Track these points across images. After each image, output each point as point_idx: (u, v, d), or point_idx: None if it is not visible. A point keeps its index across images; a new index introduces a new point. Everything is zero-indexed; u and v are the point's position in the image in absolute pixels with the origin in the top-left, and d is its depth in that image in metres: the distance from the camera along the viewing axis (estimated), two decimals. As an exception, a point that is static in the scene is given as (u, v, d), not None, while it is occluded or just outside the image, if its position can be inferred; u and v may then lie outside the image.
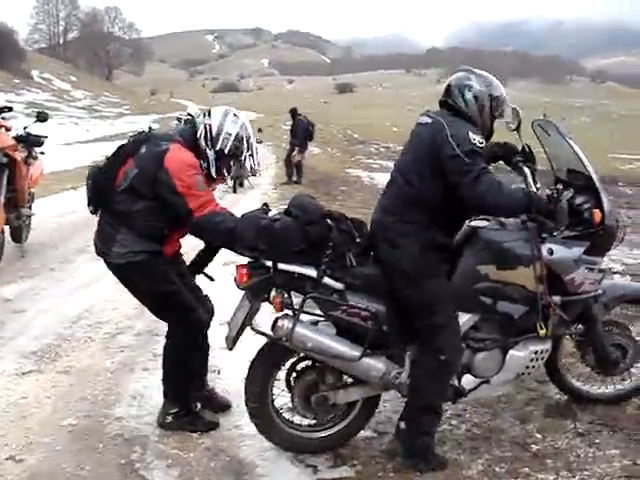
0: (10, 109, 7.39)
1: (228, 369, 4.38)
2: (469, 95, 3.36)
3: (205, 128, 3.52)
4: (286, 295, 3.25)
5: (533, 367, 3.52)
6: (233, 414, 3.87)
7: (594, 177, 3.49)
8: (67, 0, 75.96)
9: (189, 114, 4.27)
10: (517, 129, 3.57)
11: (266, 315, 3.43)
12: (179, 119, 16.53)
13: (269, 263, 3.18)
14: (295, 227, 3.17)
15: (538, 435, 3.67)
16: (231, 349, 3.44)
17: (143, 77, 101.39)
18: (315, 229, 3.19)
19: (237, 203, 11.70)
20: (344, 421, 3.51)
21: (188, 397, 3.71)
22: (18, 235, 7.51)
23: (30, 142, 7.43)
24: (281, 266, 3.18)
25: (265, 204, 3.56)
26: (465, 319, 3.36)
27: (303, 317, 3.25)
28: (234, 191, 14.20)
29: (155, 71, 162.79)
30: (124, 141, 3.65)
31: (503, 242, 3.34)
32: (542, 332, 3.38)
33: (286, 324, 3.17)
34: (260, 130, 17.23)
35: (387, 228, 3.34)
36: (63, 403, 3.91)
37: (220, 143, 3.51)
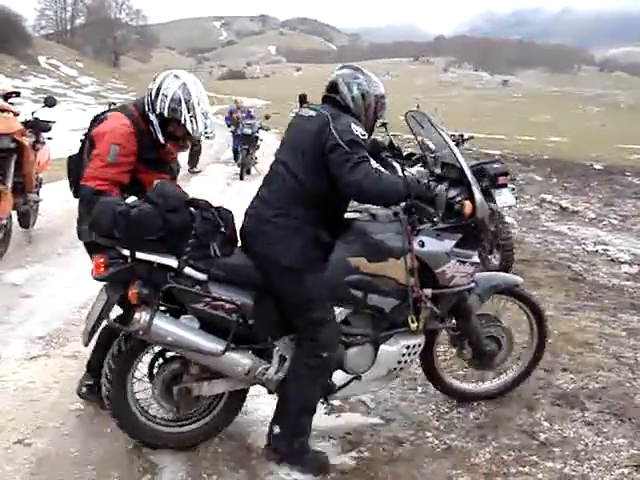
0: (18, 94, 7.37)
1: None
2: (357, 92, 3.28)
3: (149, 92, 3.41)
4: (145, 287, 3.02)
5: (405, 362, 3.43)
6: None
7: (466, 170, 3.41)
8: (74, -14, 75.85)
9: None
10: (384, 124, 3.51)
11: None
12: None
13: (127, 252, 2.98)
14: (154, 214, 2.96)
15: (546, 423, 3.67)
16: (86, 344, 3.24)
17: (150, 64, 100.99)
18: (176, 217, 3.01)
19: (243, 190, 11.69)
20: (210, 415, 3.36)
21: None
22: (26, 220, 7.52)
23: (38, 127, 7.40)
24: (140, 255, 2.97)
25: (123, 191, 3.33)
26: (336, 313, 3.24)
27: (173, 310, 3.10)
28: (241, 178, 14.17)
29: (162, 58, 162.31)
30: None
31: (374, 234, 3.24)
32: (414, 326, 3.29)
33: (143, 317, 2.96)
34: (267, 117, 17.06)
35: (266, 222, 3.17)
36: (71, 388, 3.91)
37: (159, 106, 3.36)
